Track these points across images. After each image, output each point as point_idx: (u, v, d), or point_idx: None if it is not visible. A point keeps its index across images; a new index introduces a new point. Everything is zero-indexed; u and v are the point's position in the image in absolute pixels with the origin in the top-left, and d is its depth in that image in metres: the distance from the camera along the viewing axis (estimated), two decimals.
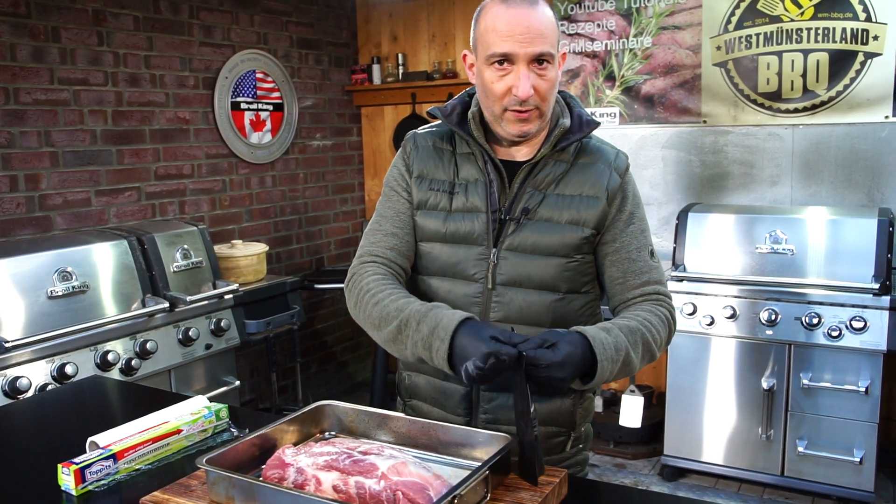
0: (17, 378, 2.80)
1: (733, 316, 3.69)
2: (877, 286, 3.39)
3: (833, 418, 3.57)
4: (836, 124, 3.99)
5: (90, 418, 2.03)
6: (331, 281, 4.69)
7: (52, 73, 3.54)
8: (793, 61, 4.03)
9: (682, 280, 3.80)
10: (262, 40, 4.64)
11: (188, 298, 3.41)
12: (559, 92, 1.74)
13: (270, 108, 4.70)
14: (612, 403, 4.50)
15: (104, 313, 3.18)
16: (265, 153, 4.68)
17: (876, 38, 3.81)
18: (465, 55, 1.72)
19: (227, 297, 3.66)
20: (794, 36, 4.00)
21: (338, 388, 5.38)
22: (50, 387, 2.90)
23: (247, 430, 1.74)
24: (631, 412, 4.09)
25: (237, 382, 3.74)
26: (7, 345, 2.79)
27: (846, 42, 3.88)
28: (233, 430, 1.79)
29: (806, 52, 3.99)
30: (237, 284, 3.71)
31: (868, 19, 3.82)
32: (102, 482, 1.54)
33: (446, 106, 1.77)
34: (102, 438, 1.62)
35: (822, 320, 3.50)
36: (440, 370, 1.75)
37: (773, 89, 4.10)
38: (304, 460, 1.41)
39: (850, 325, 3.44)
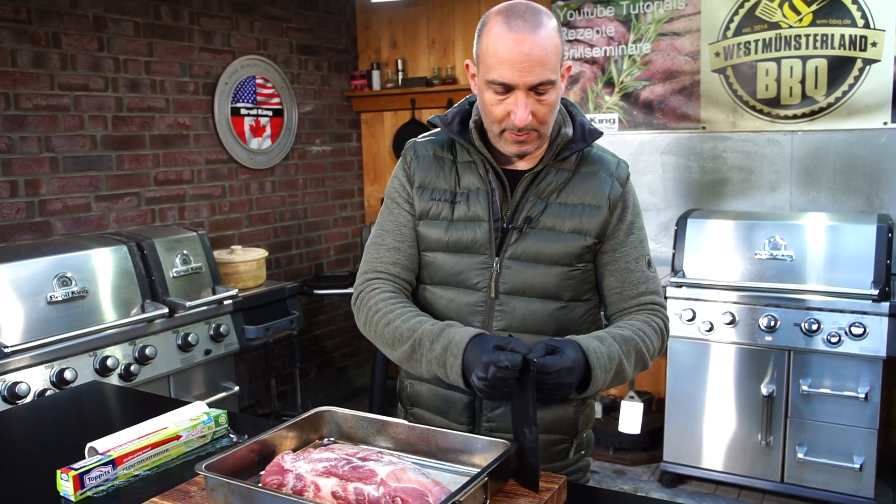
0: (16, 383, 2.79)
1: (732, 322, 3.69)
2: (876, 292, 3.40)
3: (833, 425, 3.56)
4: (834, 130, 3.99)
5: (89, 424, 2.03)
6: (330, 286, 4.69)
7: (52, 78, 3.54)
8: (791, 68, 4.03)
9: (681, 286, 3.81)
10: (262, 46, 4.65)
11: (187, 304, 3.41)
12: (561, 99, 1.73)
13: (270, 113, 4.71)
14: (612, 409, 4.50)
15: (103, 319, 3.18)
16: (265, 159, 4.69)
17: (874, 44, 3.82)
18: (467, 65, 1.71)
19: (226, 302, 3.66)
20: (793, 42, 4.01)
21: (337, 393, 5.38)
22: (49, 392, 2.89)
23: (246, 436, 1.74)
24: (630, 418, 4.09)
25: (236, 388, 3.73)
26: (6, 350, 2.78)
27: (845, 48, 3.89)
28: (232, 436, 1.79)
29: (805, 59, 4.00)
30: (236, 290, 3.71)
31: (866, 26, 3.83)
32: (101, 488, 1.53)
33: (447, 114, 1.77)
34: (101, 444, 1.62)
35: (822, 326, 3.50)
36: (442, 379, 1.76)
37: (771, 95, 4.11)
38: (303, 466, 1.41)
39: (850, 331, 3.44)
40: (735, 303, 3.70)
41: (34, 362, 2.89)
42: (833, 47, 3.92)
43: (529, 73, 1.54)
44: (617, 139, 4.53)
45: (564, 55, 1.63)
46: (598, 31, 4.54)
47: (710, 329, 3.74)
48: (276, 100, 4.75)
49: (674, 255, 3.93)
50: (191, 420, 1.76)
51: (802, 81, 4.02)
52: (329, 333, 5.32)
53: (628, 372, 1.63)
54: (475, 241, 1.71)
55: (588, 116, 4.55)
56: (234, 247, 4.18)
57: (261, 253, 4.15)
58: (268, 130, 4.70)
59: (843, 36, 3.89)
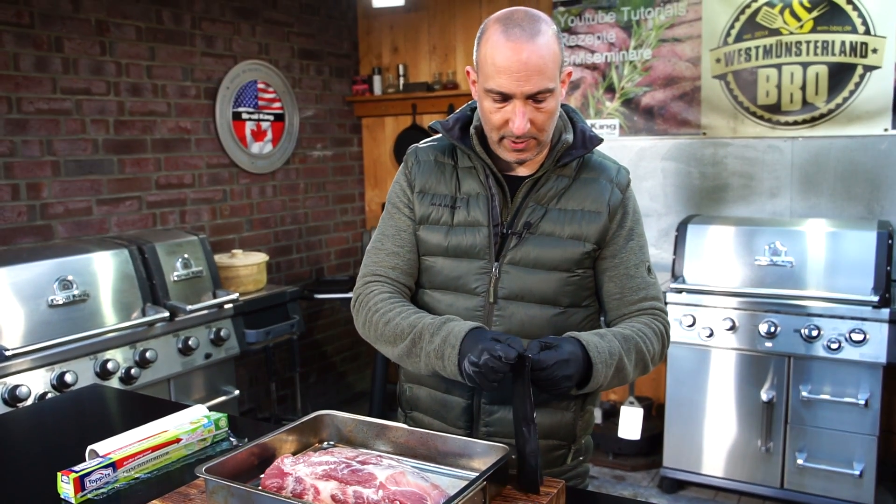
0: (16, 386, 2.80)
1: (733, 328, 3.69)
2: (876, 299, 3.40)
3: (833, 431, 3.56)
4: (835, 137, 4.00)
5: (90, 427, 2.04)
6: (330, 291, 4.69)
7: (54, 82, 3.55)
8: (792, 74, 4.04)
9: (681, 292, 3.81)
10: (264, 51, 4.66)
11: (188, 308, 3.41)
12: (562, 105, 1.74)
13: (271, 118, 4.72)
14: (612, 415, 4.50)
15: (104, 322, 3.18)
16: (266, 163, 4.70)
17: (875, 51, 3.83)
18: (468, 71, 1.71)
19: (226, 306, 3.66)
20: (794, 49, 4.02)
21: (337, 398, 5.38)
22: (50, 395, 2.90)
23: (246, 440, 1.74)
24: (630, 424, 4.09)
25: (236, 392, 3.74)
26: (7, 353, 2.79)
27: (845, 55, 3.90)
28: (232, 439, 1.79)
29: (805, 65, 4.00)
30: (237, 294, 3.72)
31: (867, 32, 3.84)
32: (102, 490, 1.54)
33: (448, 120, 1.77)
34: (102, 447, 1.63)
35: (822, 333, 3.51)
36: (441, 382, 1.76)
37: (772, 102, 4.12)
38: (302, 469, 1.41)
39: (850, 337, 3.44)
40: (735, 309, 3.70)
41: (35, 365, 2.89)
42: (834, 54, 3.93)
43: (527, 82, 1.54)
44: (617, 145, 4.53)
45: (564, 61, 1.64)
46: (598, 37, 4.55)
47: (711, 335, 3.75)
48: (277, 104, 4.76)
49: (674, 260, 3.93)
50: (191, 423, 1.76)
51: (803, 88, 4.03)
52: (329, 338, 5.32)
53: (629, 371, 1.63)
54: (475, 245, 1.71)
55: (589, 122, 4.57)
56: (234, 251, 4.19)
57: (261, 257, 4.16)
58: (269, 135, 4.71)
59: (843, 42, 3.89)
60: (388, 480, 1.35)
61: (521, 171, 1.74)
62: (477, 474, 1.38)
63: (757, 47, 4.11)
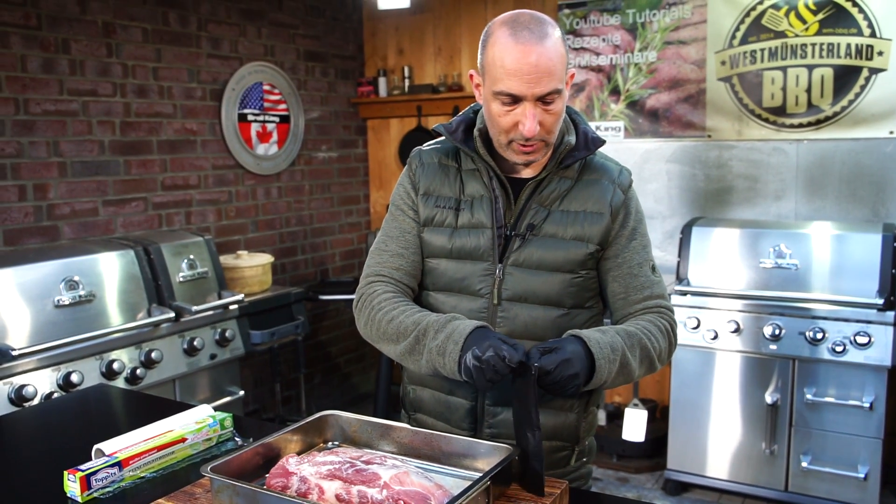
0: (23, 386, 2.81)
1: (737, 330, 3.69)
2: (881, 301, 3.39)
3: (837, 434, 3.56)
4: (840, 139, 4.00)
5: (95, 426, 2.05)
6: (335, 292, 4.70)
7: (61, 84, 3.57)
8: (797, 76, 4.04)
9: (685, 294, 3.81)
10: (270, 53, 4.68)
11: (193, 308, 3.42)
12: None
13: (277, 119, 4.73)
14: (616, 417, 4.49)
15: (110, 322, 3.20)
16: (271, 165, 4.71)
17: (881, 53, 3.83)
18: (471, 75, 1.71)
19: (232, 307, 3.67)
20: (799, 51, 4.01)
21: (341, 399, 5.39)
22: (56, 395, 2.91)
23: (251, 440, 1.75)
24: (634, 426, 4.09)
25: (241, 392, 3.75)
26: (13, 353, 2.80)
27: (851, 57, 3.90)
28: (237, 439, 1.80)
29: (811, 68, 4.00)
30: (242, 295, 3.73)
31: (873, 35, 3.83)
32: (108, 489, 1.55)
33: (451, 123, 1.78)
34: (108, 446, 1.63)
35: (827, 335, 3.50)
36: (445, 384, 1.76)
37: (777, 104, 4.12)
38: (307, 469, 1.42)
39: (855, 340, 3.44)
40: (740, 311, 3.70)
41: (41, 365, 2.91)
42: (839, 56, 3.93)
43: (538, 84, 1.55)
44: (623, 147, 4.54)
45: (569, 63, 1.64)
46: (604, 40, 4.55)
47: (715, 337, 3.74)
48: (282, 106, 4.77)
49: (679, 262, 3.93)
50: (196, 423, 1.77)
51: (808, 90, 4.03)
52: (334, 339, 5.33)
53: (634, 367, 1.62)
54: (478, 247, 1.72)
55: (594, 124, 4.59)
56: (240, 252, 4.20)
57: (266, 258, 4.17)
58: (274, 136, 4.72)
59: (849, 45, 3.89)
60: (393, 480, 1.36)
61: (525, 173, 1.74)
62: (481, 474, 1.39)
63: (762, 50, 4.11)
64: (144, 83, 3.94)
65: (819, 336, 3.51)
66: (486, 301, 1.71)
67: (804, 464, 3.61)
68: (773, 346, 3.63)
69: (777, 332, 3.59)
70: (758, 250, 3.75)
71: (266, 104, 4.64)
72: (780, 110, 4.11)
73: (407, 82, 5.23)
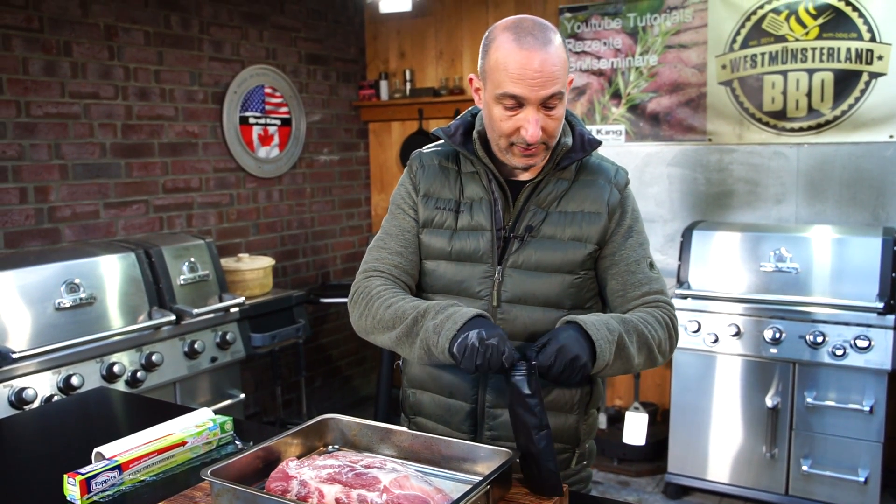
0: (23, 389, 2.81)
1: (738, 334, 3.69)
2: (881, 305, 3.39)
3: (838, 437, 3.56)
4: (840, 143, 4.00)
5: (96, 429, 2.05)
6: (336, 295, 4.71)
7: (63, 86, 3.57)
8: (798, 80, 4.04)
9: (686, 298, 3.81)
10: (271, 56, 4.68)
11: (194, 311, 3.43)
12: None
13: (278, 122, 4.74)
14: (616, 421, 4.49)
15: (111, 325, 3.20)
16: (273, 167, 4.71)
17: (880, 58, 3.83)
18: (471, 79, 1.72)
19: (233, 310, 3.67)
20: (799, 55, 4.02)
21: (342, 402, 5.39)
22: (56, 398, 2.91)
23: (251, 443, 1.75)
24: (635, 429, 4.08)
25: (242, 395, 3.75)
26: (14, 356, 2.80)
27: (851, 62, 3.90)
28: (237, 442, 1.80)
29: (811, 72, 4.01)
30: (243, 298, 3.73)
31: (872, 39, 3.84)
32: (107, 493, 1.55)
33: (450, 126, 1.79)
34: (108, 449, 1.64)
35: (827, 339, 3.50)
36: (445, 387, 1.76)
37: (778, 108, 4.12)
38: (307, 473, 1.42)
39: (855, 344, 3.44)
40: (740, 315, 3.70)
41: (41, 368, 2.91)
42: (839, 60, 3.93)
43: (542, 87, 1.56)
44: (623, 151, 4.54)
45: (569, 69, 1.65)
46: (605, 43, 4.56)
47: (716, 341, 3.74)
48: (284, 109, 4.77)
49: (679, 266, 3.93)
50: (197, 426, 1.77)
51: (808, 94, 4.03)
52: (335, 342, 5.33)
53: (632, 353, 1.61)
54: (478, 250, 1.72)
55: (595, 128, 4.60)
56: (241, 255, 4.21)
57: (268, 261, 4.17)
58: (276, 139, 4.72)
59: (849, 49, 3.90)
60: (392, 484, 1.36)
61: (523, 176, 1.75)
62: (480, 478, 1.39)
63: (763, 54, 4.11)
64: (146, 86, 3.95)
65: (819, 340, 3.51)
66: (485, 303, 1.72)
67: (804, 467, 3.60)
68: (773, 350, 3.63)
69: (777, 335, 3.60)
70: (758, 254, 3.75)
71: (268, 107, 4.65)
72: (781, 114, 4.12)
73: (408, 85, 5.23)
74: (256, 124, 4.58)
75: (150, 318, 3.33)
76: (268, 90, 4.64)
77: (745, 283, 3.76)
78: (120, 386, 3.14)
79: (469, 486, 1.36)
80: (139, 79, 3.91)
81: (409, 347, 1.64)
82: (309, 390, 5.04)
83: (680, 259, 3.94)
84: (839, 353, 3.47)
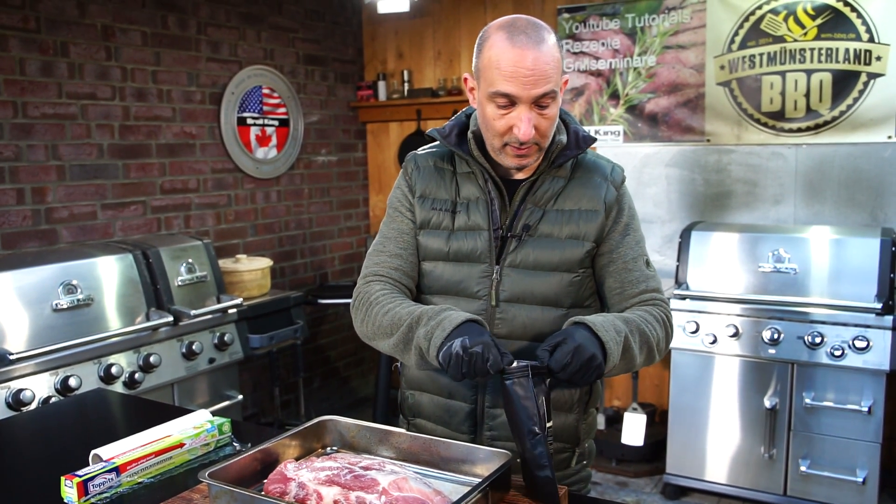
0: (20, 390, 2.80)
1: (736, 335, 3.69)
2: (879, 306, 3.39)
3: (836, 438, 3.56)
4: (839, 144, 4.00)
5: (93, 431, 2.04)
6: (334, 296, 4.70)
7: (59, 87, 3.57)
8: (796, 81, 4.05)
9: (684, 298, 3.81)
10: (269, 56, 4.68)
11: (192, 312, 3.42)
12: None
13: (276, 123, 4.73)
14: (615, 421, 4.49)
15: (108, 326, 3.19)
16: (270, 168, 4.71)
17: (879, 58, 3.83)
18: (465, 78, 1.73)
19: (230, 311, 3.67)
20: (798, 56, 4.02)
21: (340, 403, 5.38)
22: (53, 399, 2.90)
23: (249, 445, 1.74)
24: (633, 430, 4.08)
25: (240, 397, 3.74)
26: (11, 357, 2.80)
27: (849, 62, 3.90)
28: (235, 444, 1.80)
29: (809, 73, 4.01)
30: (241, 299, 3.73)
31: (871, 40, 3.84)
32: (105, 495, 1.54)
33: (444, 127, 1.79)
34: (105, 451, 1.63)
35: (825, 340, 3.50)
36: (443, 387, 1.76)
37: (776, 109, 4.12)
38: (305, 475, 1.42)
39: (853, 344, 3.44)
40: (739, 315, 3.70)
41: (39, 369, 2.90)
42: (838, 61, 3.93)
43: (534, 86, 1.56)
44: (622, 151, 4.54)
45: (565, 69, 1.65)
46: (603, 44, 4.56)
47: (714, 341, 3.74)
48: (282, 109, 4.77)
49: (678, 267, 3.93)
50: (194, 428, 1.76)
51: (807, 95, 4.03)
52: (333, 343, 5.33)
53: (635, 352, 1.61)
54: (475, 249, 1.72)
55: (593, 128, 4.60)
56: (239, 256, 4.20)
57: (265, 262, 4.17)
58: (274, 140, 4.72)
59: (847, 50, 3.90)
60: (391, 486, 1.35)
61: (519, 175, 1.75)
62: (479, 480, 1.39)
63: (761, 54, 4.11)
64: (143, 87, 3.94)
65: (818, 340, 3.51)
66: (483, 303, 1.72)
67: (803, 468, 3.60)
68: (771, 351, 3.62)
69: (776, 336, 3.59)
70: (756, 255, 3.75)
71: (265, 108, 4.65)
72: (779, 115, 4.12)
73: (406, 86, 5.23)
74: (254, 125, 4.57)
75: (147, 319, 3.33)
76: (265, 91, 4.64)
77: (743, 283, 3.76)
78: (117, 387, 3.13)
79: (468, 489, 1.35)
80: (136, 79, 3.90)
81: (407, 354, 1.65)
82: (307, 391, 5.03)
83: (678, 260, 3.94)
84: (837, 353, 3.47)
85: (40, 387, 2.89)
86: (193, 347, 3.45)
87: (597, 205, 1.72)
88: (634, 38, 4.46)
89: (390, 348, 1.69)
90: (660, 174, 4.49)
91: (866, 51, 3.86)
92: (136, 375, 3.20)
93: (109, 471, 1.56)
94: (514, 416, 1.45)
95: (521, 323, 1.71)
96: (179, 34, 4.11)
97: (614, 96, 4.57)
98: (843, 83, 3.94)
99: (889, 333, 3.38)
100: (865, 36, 3.85)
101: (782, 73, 4.08)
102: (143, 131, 3.95)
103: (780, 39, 4.05)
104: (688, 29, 4.30)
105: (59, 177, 3.58)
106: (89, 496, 1.52)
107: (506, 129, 1.61)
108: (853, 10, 3.86)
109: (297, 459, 1.57)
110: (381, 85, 5.28)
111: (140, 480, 1.61)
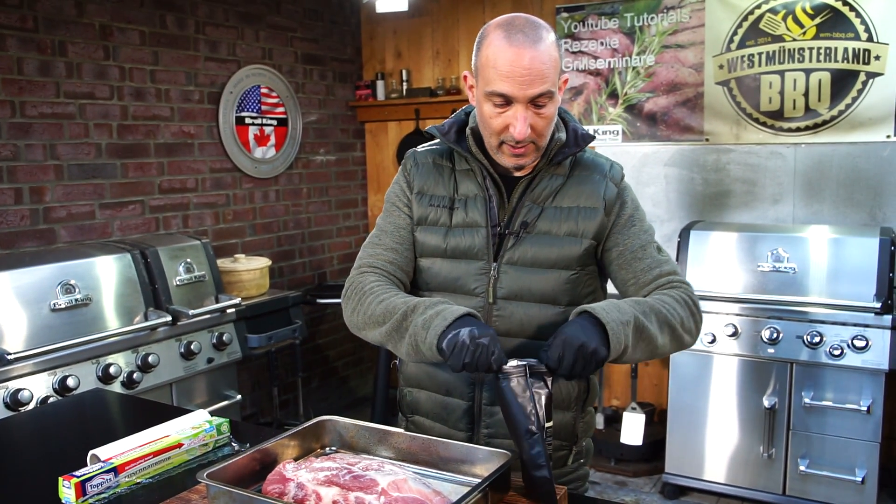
0: (18, 390, 2.80)
1: (735, 334, 3.69)
2: (878, 305, 3.39)
3: (835, 437, 3.56)
4: (837, 143, 4.00)
5: (91, 431, 2.04)
6: (333, 296, 4.70)
7: (58, 86, 3.56)
8: (795, 80, 4.04)
9: None
10: (267, 56, 4.67)
11: (190, 312, 3.42)
12: None
13: (275, 122, 4.73)
14: (614, 421, 4.49)
15: (106, 326, 3.19)
16: (269, 168, 4.70)
17: (877, 57, 3.83)
18: (465, 76, 1.73)
19: (229, 311, 3.66)
20: (796, 55, 4.02)
21: (339, 403, 5.38)
22: (51, 399, 2.90)
23: (248, 445, 1.74)
24: (632, 429, 4.08)
25: (238, 397, 3.74)
26: (9, 357, 2.79)
27: (848, 62, 3.90)
28: (234, 444, 1.79)
29: (808, 72, 4.00)
30: (239, 298, 3.72)
31: (870, 39, 3.84)
32: (103, 495, 1.54)
33: (443, 124, 1.79)
34: (103, 452, 1.63)
35: (824, 339, 3.50)
36: (441, 385, 1.76)
37: (775, 108, 4.12)
38: (304, 475, 1.41)
39: (852, 343, 3.44)
40: (738, 315, 3.70)
41: (37, 369, 2.89)
42: (836, 60, 3.93)
43: (530, 86, 1.55)
44: (620, 150, 4.54)
45: (562, 69, 1.65)
46: (602, 43, 4.55)
47: (713, 341, 3.74)
48: (280, 109, 4.76)
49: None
50: (193, 428, 1.76)
51: (806, 94, 4.03)
52: (331, 343, 5.33)
53: (654, 333, 1.56)
54: (473, 246, 1.72)
55: (592, 128, 4.60)
56: (237, 255, 4.20)
57: (264, 262, 4.16)
58: (272, 139, 4.71)
59: (846, 49, 3.90)
60: (390, 487, 1.35)
61: (518, 172, 1.74)
62: (479, 480, 1.38)
63: (760, 54, 4.11)
64: (141, 86, 3.94)
65: (817, 340, 3.51)
66: (481, 300, 1.72)
67: (802, 467, 3.60)
68: (770, 350, 3.62)
69: (775, 335, 3.59)
70: (755, 254, 3.75)
71: (264, 107, 4.64)
72: (778, 114, 4.11)
73: (405, 85, 5.22)
74: (252, 124, 4.57)
75: (146, 318, 3.32)
76: (264, 90, 4.63)
77: (742, 283, 3.76)
78: (116, 387, 3.13)
79: (467, 489, 1.35)
80: (135, 79, 3.90)
81: (398, 343, 1.62)
82: (306, 391, 5.03)
83: (677, 259, 3.94)
84: (836, 352, 3.47)
85: (38, 387, 2.89)
86: (192, 347, 3.44)
87: (596, 202, 1.72)
88: (633, 37, 4.46)
89: (381, 337, 1.66)
90: (658, 174, 4.49)
91: (865, 50, 3.86)
92: (135, 375, 3.20)
93: (107, 471, 1.55)
94: (510, 416, 1.44)
95: (519, 320, 1.70)
96: (178, 33, 4.11)
97: (613, 96, 4.56)
98: (842, 82, 3.93)
99: (888, 333, 3.38)
100: (864, 35, 3.85)
101: (781, 73, 4.08)
102: (142, 131, 3.95)
103: (779, 39, 4.05)
104: (686, 28, 4.30)
105: (57, 176, 3.58)
106: (87, 497, 1.52)
107: (502, 128, 1.61)
108: (852, 9, 3.85)
109: (295, 460, 1.57)
110: (380, 84, 5.27)
111: (138, 481, 1.60)
